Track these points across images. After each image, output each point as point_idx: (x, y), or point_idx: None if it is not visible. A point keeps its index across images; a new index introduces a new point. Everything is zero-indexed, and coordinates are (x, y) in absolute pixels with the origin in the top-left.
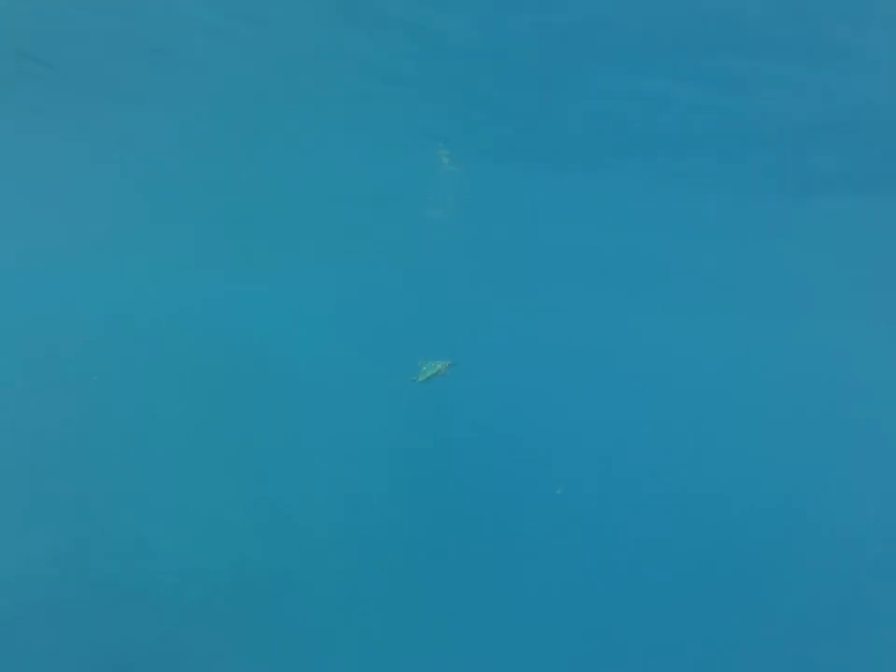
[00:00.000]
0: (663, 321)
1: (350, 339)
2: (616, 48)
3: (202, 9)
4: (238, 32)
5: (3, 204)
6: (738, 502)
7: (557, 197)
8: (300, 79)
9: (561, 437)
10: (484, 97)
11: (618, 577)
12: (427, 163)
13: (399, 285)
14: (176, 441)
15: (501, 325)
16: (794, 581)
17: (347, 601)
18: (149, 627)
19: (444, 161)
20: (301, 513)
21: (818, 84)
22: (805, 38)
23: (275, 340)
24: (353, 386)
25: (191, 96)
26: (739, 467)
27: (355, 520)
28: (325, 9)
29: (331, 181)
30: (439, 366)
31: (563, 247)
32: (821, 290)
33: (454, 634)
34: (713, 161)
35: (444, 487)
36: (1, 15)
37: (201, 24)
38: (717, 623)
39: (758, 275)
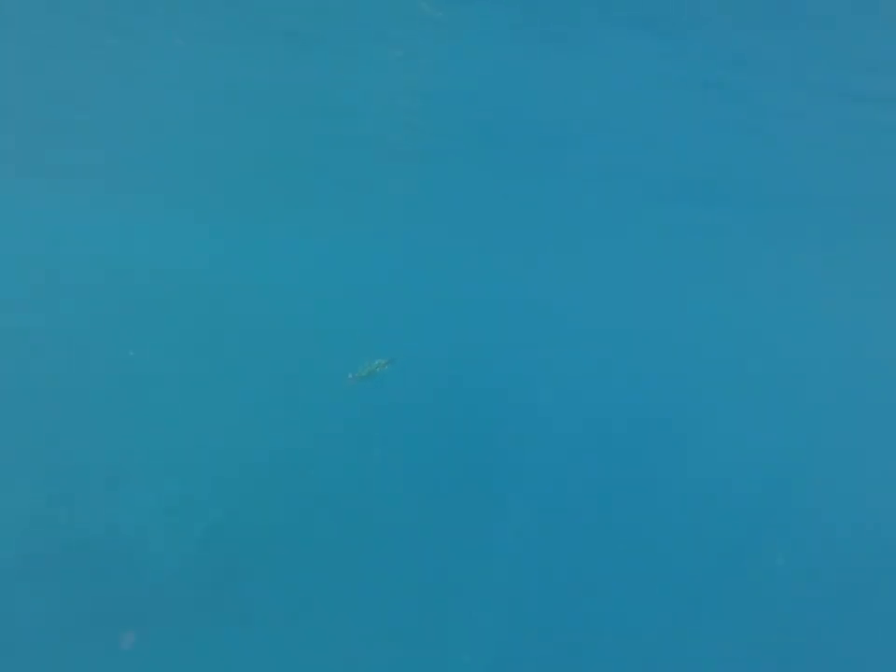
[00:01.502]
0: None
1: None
2: None
3: None
4: None
5: None
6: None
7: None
8: None
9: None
10: None
11: (617, 565)
12: None
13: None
14: (152, 406)
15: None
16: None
17: (329, 569)
18: (123, 594)
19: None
20: (285, 482)
21: None
22: None
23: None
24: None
25: None
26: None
27: (339, 491)
28: None
29: None
30: (376, 364)
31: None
32: None
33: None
34: None
35: (435, 462)
36: None
37: None
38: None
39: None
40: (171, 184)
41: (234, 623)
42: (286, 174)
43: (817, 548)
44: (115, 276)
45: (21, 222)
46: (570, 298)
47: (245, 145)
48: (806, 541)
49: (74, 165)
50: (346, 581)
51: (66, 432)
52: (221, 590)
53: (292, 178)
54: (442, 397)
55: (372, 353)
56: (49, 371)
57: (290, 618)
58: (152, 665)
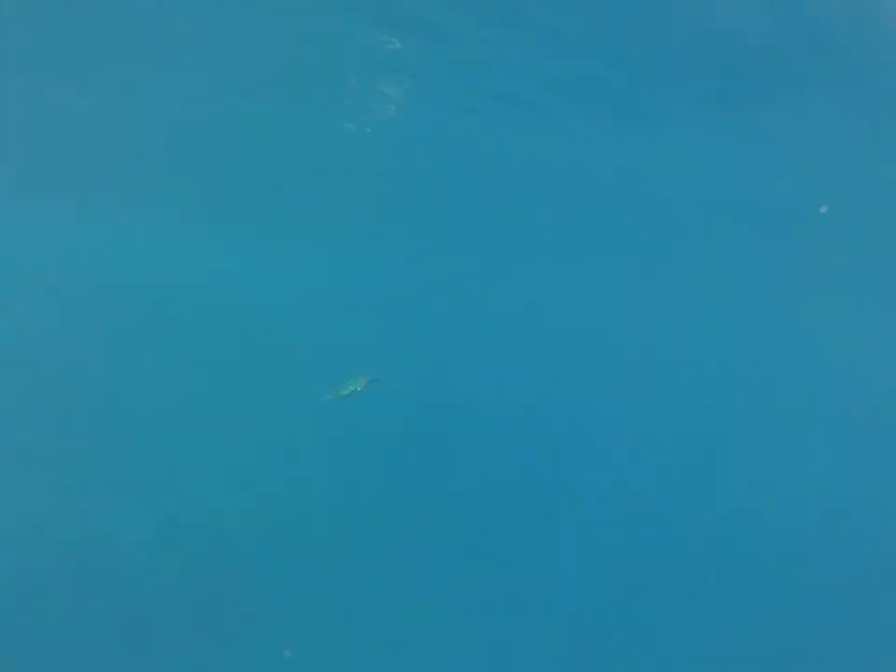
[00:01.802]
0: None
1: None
2: None
3: None
4: None
5: None
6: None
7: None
8: None
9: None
10: None
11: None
12: None
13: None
14: (149, 415)
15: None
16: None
17: (324, 578)
18: (121, 607)
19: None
20: (287, 493)
21: None
22: None
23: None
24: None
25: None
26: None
27: (339, 501)
28: None
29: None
30: (359, 382)
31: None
32: None
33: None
34: None
35: (437, 470)
36: None
37: None
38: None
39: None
40: (171, 193)
41: (233, 633)
42: (282, 184)
43: (823, 556)
44: (114, 287)
45: (26, 233)
46: (578, 313)
47: (246, 152)
48: (810, 549)
49: (76, 175)
50: (345, 589)
51: (67, 439)
52: (220, 600)
53: (290, 188)
54: (443, 408)
55: (356, 370)
56: (52, 380)
57: (289, 630)
58: None
